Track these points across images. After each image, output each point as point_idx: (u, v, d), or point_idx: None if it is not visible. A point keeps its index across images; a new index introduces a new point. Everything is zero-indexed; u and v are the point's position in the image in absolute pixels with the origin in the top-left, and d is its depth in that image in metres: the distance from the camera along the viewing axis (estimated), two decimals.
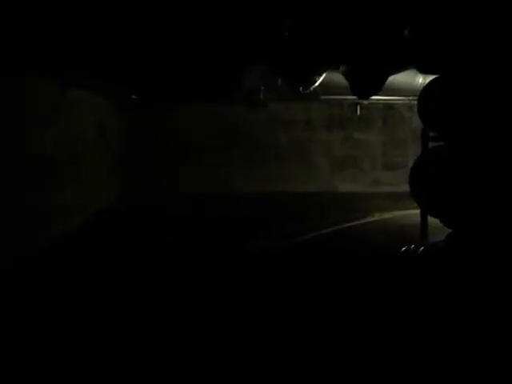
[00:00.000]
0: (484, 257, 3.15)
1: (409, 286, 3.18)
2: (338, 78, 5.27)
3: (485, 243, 3.22)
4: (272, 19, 3.48)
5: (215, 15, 3.39)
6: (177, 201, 6.84)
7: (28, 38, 3.33)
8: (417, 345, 2.35)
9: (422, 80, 5.57)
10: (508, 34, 2.89)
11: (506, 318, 2.56)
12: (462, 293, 2.94)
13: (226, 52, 4.16)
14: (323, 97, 6.27)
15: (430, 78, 3.61)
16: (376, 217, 5.59)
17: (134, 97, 6.32)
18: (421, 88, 3.80)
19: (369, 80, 4.05)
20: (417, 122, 7.65)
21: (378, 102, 7.30)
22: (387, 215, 5.65)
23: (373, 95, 4.45)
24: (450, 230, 3.54)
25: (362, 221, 5.37)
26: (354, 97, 6.53)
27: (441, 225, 3.61)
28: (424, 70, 3.88)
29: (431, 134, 3.82)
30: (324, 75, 5.07)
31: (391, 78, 4.45)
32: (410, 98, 6.25)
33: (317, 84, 5.08)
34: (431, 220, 3.87)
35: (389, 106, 7.78)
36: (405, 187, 6.84)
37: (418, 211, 4.08)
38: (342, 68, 4.71)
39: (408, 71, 4.96)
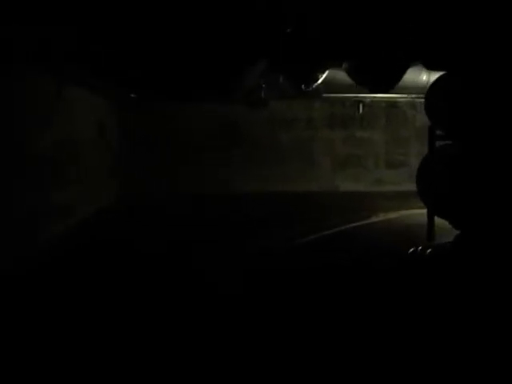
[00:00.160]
0: (494, 259, 3.09)
1: (416, 288, 3.11)
2: (341, 75, 5.20)
3: (494, 245, 3.16)
4: (273, 14, 3.42)
5: (215, 12, 3.34)
6: (177, 201, 6.82)
7: (28, 38, 3.33)
8: (425, 348, 2.30)
9: (426, 77, 5.50)
10: None
11: None
12: (470, 296, 2.87)
13: (226, 49, 4.10)
14: (325, 95, 6.22)
15: (435, 75, 3.55)
16: (380, 217, 5.52)
17: (133, 95, 6.27)
18: (425, 86, 3.75)
19: (388, 73, 3.93)
20: (420, 121, 7.75)
21: (380, 100, 7.25)
22: (392, 215, 5.58)
23: (392, 88, 4.27)
24: (457, 231, 3.48)
25: (366, 221, 5.31)
26: (356, 95, 6.50)
27: (448, 225, 3.56)
28: (431, 66, 3.81)
29: (438, 132, 3.75)
30: (326, 73, 4.99)
31: None
32: (414, 95, 6.19)
33: (319, 81, 5.00)
34: (438, 220, 3.81)
35: (392, 105, 7.74)
36: (408, 186, 6.90)
37: (422, 211, 4.01)
38: (344, 65, 4.64)
39: (412, 68, 4.87)
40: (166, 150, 7.42)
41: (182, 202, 6.74)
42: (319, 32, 3.56)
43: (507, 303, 2.71)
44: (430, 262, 3.57)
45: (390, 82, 4.02)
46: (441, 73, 3.62)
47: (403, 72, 4.04)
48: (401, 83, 5.28)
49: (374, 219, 5.40)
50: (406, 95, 6.31)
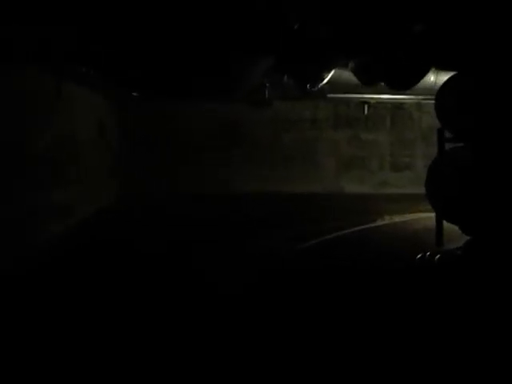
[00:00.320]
0: (507, 267, 2.98)
1: (426, 295, 3.01)
2: (346, 75, 5.11)
3: (507, 252, 3.05)
4: (279, 10, 3.32)
5: (221, 6, 3.26)
6: (177, 201, 6.81)
7: (28, 38, 3.36)
8: (433, 353, 2.21)
9: (434, 78, 5.38)
10: None
11: None
12: (482, 305, 2.77)
13: (230, 46, 4.01)
14: (330, 95, 6.13)
15: (444, 75, 3.44)
16: (386, 220, 5.42)
17: (134, 94, 6.21)
18: (432, 86, 3.63)
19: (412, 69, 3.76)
20: (426, 122, 7.66)
21: (385, 101, 7.15)
22: (397, 218, 5.48)
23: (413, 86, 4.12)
24: (467, 237, 3.38)
25: (372, 225, 5.21)
26: (362, 95, 6.40)
27: (456, 230, 3.46)
28: (442, 66, 3.69)
29: (447, 134, 3.64)
30: (332, 72, 4.89)
31: None
32: (420, 96, 6.09)
33: (325, 81, 4.90)
34: (445, 225, 3.70)
35: (397, 106, 7.65)
36: (413, 189, 6.81)
37: (429, 214, 3.93)
38: (351, 64, 4.53)
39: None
40: (166, 150, 7.40)
41: (181, 202, 6.74)
42: (330, 28, 3.44)
43: None
44: (439, 268, 3.46)
45: (409, 81, 3.86)
46: (451, 73, 3.52)
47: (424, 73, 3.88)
48: None
49: (379, 223, 5.30)
50: (412, 96, 6.21)
